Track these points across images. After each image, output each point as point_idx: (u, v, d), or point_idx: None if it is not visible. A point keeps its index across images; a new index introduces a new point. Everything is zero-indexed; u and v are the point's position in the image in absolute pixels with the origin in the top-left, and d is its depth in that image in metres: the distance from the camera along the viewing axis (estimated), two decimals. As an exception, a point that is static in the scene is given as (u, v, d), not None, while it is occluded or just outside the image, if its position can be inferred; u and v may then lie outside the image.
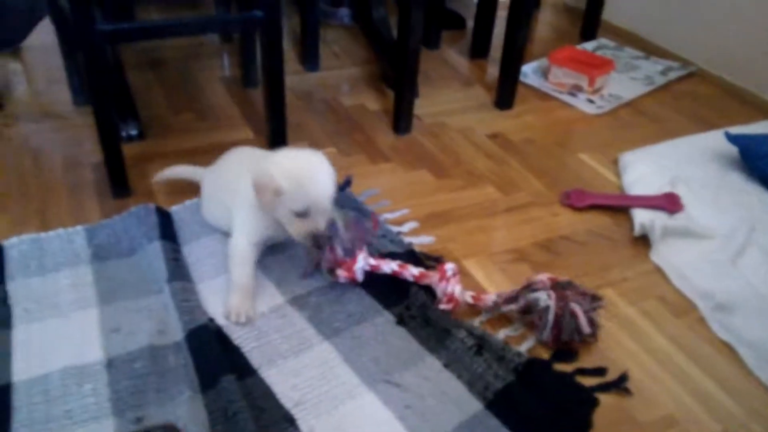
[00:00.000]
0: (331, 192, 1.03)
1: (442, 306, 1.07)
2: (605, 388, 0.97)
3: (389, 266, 1.10)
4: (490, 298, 1.08)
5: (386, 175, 1.46)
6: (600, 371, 1.00)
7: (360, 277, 1.09)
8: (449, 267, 1.08)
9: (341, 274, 1.08)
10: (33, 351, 0.97)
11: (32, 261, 1.13)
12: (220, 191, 1.18)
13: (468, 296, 1.08)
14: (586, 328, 1.01)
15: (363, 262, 1.08)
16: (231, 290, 1.06)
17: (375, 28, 1.98)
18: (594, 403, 0.95)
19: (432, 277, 1.09)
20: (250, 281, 1.07)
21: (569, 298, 1.03)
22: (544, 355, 1.03)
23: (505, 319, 1.08)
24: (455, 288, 1.06)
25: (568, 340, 1.02)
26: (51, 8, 1.57)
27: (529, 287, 1.05)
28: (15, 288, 1.07)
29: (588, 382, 0.98)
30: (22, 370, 0.94)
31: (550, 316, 1.01)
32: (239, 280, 1.06)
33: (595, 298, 1.06)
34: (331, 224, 1.05)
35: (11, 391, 0.90)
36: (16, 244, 1.16)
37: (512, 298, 1.06)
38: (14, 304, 1.04)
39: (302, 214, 1.01)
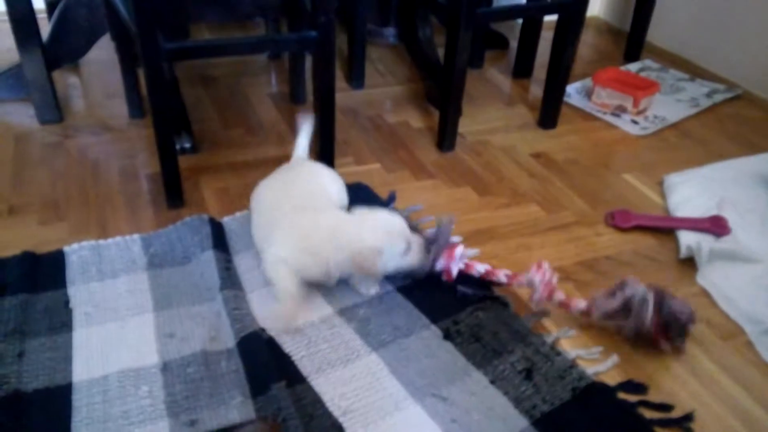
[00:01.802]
0: (401, 218, 1.15)
1: (536, 301, 1.11)
2: (667, 423, 0.96)
3: (480, 268, 1.17)
4: (578, 306, 1.11)
5: (430, 191, 1.49)
6: (666, 407, 0.98)
7: (455, 272, 1.15)
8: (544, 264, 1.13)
9: (443, 262, 1.14)
10: (92, 353, 1.01)
11: (92, 267, 1.18)
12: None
13: (561, 297, 1.11)
14: (686, 308, 1.05)
15: (461, 253, 1.15)
16: (278, 302, 1.09)
17: (420, 47, 2.02)
18: (650, 436, 0.94)
19: (527, 275, 1.12)
20: (295, 290, 1.09)
21: (665, 295, 1.06)
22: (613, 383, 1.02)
23: (579, 341, 1.09)
24: (553, 278, 1.11)
25: (671, 321, 1.05)
26: (113, 26, 1.64)
27: (622, 285, 1.08)
28: (75, 292, 1.12)
29: (649, 415, 0.97)
30: (82, 371, 0.98)
31: (651, 303, 1.04)
32: (286, 289, 1.09)
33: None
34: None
35: (72, 390, 0.94)
36: (76, 250, 1.21)
37: (610, 294, 1.09)
38: (75, 307, 1.09)
39: (407, 249, 1.12)
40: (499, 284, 1.18)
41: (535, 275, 1.11)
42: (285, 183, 1.25)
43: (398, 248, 1.10)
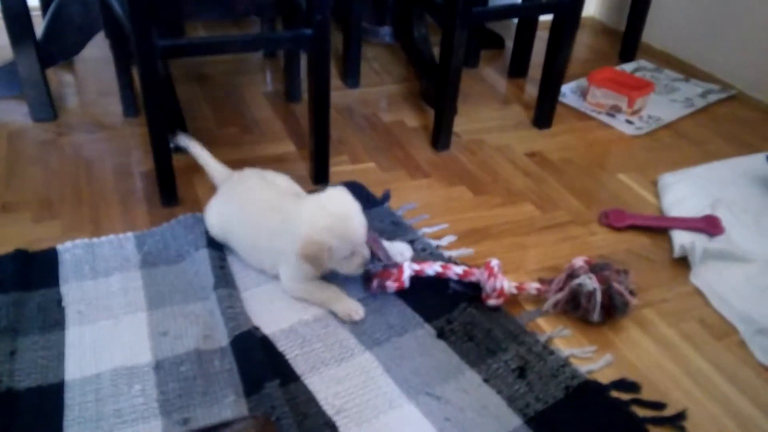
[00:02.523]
0: (365, 225, 1.09)
1: (492, 302, 1.12)
2: (659, 421, 0.96)
3: (433, 268, 1.15)
4: (532, 286, 1.14)
5: (424, 190, 1.48)
6: (658, 406, 0.98)
7: (407, 283, 1.13)
8: (495, 263, 1.12)
9: (391, 285, 1.12)
10: (85, 351, 1.01)
11: (85, 265, 1.17)
12: (258, 245, 1.16)
13: (512, 287, 1.13)
14: (633, 301, 1.11)
15: (409, 269, 1.12)
16: (328, 306, 1.10)
17: (416, 46, 2.02)
18: (642, 433, 0.94)
19: (478, 275, 1.13)
20: (330, 290, 1.12)
21: (610, 278, 1.09)
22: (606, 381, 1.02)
23: (573, 340, 1.09)
24: (503, 283, 1.11)
25: (616, 308, 1.10)
26: (108, 24, 1.63)
27: (572, 275, 1.11)
28: (68, 290, 1.12)
29: (642, 413, 0.97)
30: (74, 369, 0.97)
31: (598, 298, 1.07)
32: (323, 296, 1.11)
33: (627, 272, 1.14)
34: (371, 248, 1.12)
35: (64, 389, 0.94)
36: (69, 249, 1.20)
37: (558, 290, 1.12)
38: (68, 306, 1.09)
39: (350, 255, 1.08)
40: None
41: (484, 279, 1.12)
42: (245, 199, 1.20)
43: (343, 253, 1.07)
